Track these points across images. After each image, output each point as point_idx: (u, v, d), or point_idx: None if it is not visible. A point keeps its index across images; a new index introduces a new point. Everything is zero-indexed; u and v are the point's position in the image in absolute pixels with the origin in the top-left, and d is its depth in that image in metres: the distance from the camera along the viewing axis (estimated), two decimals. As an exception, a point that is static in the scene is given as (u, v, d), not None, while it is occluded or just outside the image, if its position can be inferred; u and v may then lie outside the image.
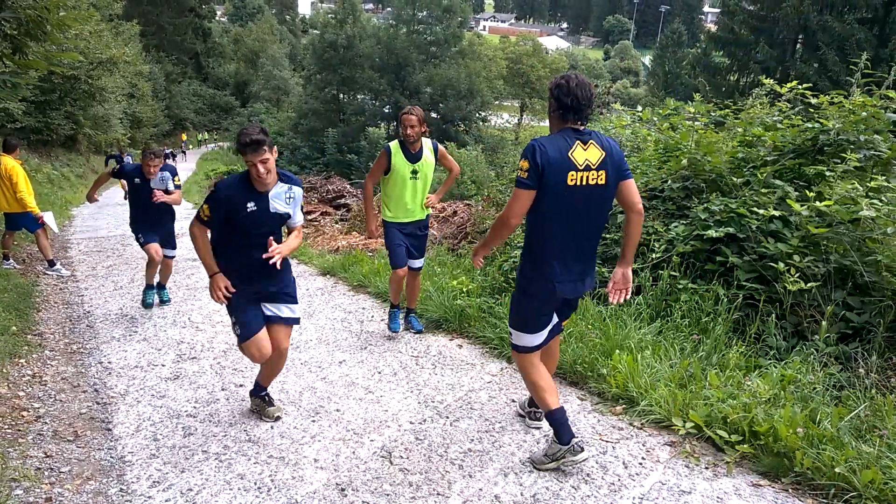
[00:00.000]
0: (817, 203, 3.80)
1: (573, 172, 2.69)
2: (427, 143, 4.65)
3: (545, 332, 2.98)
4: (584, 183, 2.71)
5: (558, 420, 2.89)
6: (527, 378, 3.03)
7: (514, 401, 3.69)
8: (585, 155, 2.71)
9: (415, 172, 4.59)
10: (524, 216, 2.82)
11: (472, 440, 3.28)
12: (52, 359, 4.57)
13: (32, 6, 7.00)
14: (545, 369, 3.03)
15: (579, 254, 2.85)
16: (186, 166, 35.56)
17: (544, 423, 3.29)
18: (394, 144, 4.60)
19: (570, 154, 2.69)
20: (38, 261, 7.92)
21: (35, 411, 3.67)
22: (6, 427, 3.43)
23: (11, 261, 7.52)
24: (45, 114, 19.44)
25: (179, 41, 51.53)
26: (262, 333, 3.31)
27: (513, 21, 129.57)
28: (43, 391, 3.98)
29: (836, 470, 2.61)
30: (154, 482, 2.95)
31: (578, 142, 2.71)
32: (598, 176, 2.73)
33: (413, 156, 4.58)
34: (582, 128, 2.76)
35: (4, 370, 4.19)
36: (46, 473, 3.01)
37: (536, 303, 2.92)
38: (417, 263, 4.80)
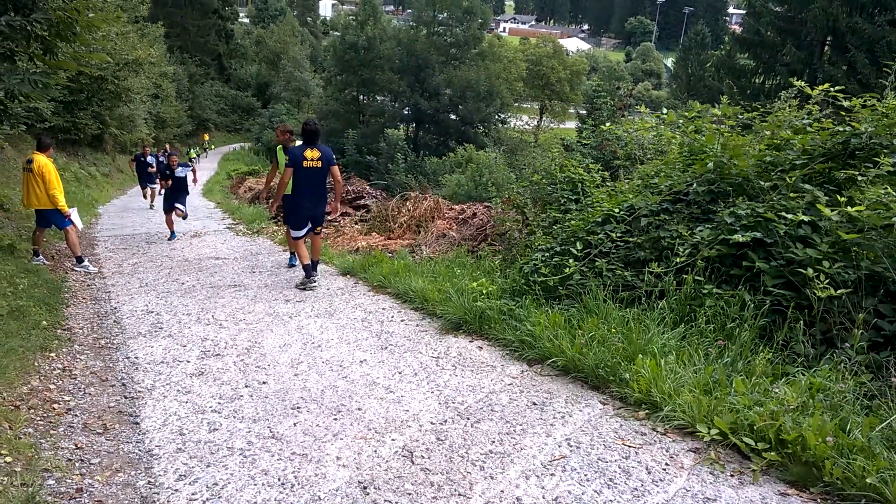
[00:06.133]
0: (848, 208, 3.72)
1: (306, 161, 6.35)
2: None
3: (304, 230, 6.66)
4: (311, 166, 6.38)
5: (307, 268, 6.55)
6: (297, 250, 6.81)
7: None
8: (311, 154, 6.37)
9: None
10: (290, 180, 6.50)
11: (494, 442, 3.27)
12: (81, 353, 4.66)
13: (62, 7, 7.15)
14: (305, 248, 6.65)
15: (312, 197, 6.56)
16: (207, 166, 35.98)
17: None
18: (279, 148, 7.52)
19: (304, 153, 6.36)
20: (66, 257, 8.07)
21: (65, 404, 3.74)
22: (38, 419, 3.51)
23: (41, 257, 7.67)
24: (73, 113, 19.82)
25: (203, 43, 52.23)
26: None
27: (533, 23, 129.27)
28: (73, 384, 4.06)
29: (868, 480, 2.56)
30: (181, 476, 2.99)
31: (308, 148, 6.38)
32: (317, 163, 6.39)
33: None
34: (313, 141, 6.42)
35: (36, 363, 4.28)
36: (77, 465, 3.07)
37: (296, 217, 6.66)
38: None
